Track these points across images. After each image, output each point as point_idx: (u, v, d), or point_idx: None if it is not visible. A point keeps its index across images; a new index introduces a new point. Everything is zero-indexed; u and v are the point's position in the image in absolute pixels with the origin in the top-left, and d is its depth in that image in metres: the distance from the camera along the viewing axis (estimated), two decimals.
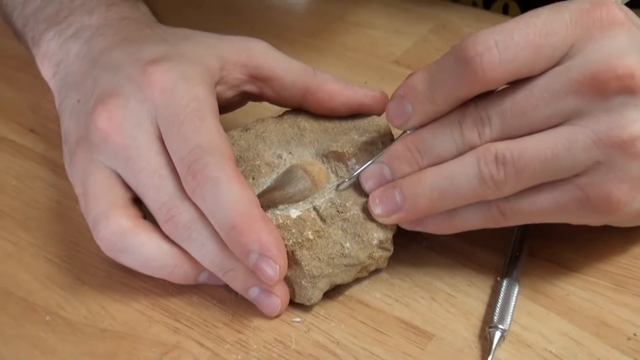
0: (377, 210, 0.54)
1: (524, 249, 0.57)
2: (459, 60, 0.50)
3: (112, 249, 0.56)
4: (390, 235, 0.55)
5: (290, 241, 0.54)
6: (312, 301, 0.55)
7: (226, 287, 0.56)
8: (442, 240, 0.59)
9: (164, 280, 0.57)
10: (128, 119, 0.56)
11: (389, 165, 0.54)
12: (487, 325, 0.53)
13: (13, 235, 0.62)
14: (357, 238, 0.55)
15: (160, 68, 0.57)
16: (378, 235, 0.55)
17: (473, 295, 0.56)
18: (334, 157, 0.58)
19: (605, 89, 0.49)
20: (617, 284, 0.56)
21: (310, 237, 0.54)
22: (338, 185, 0.56)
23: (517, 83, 0.51)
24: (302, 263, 0.54)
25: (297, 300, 0.55)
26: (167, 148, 0.55)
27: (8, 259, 0.61)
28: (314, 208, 0.55)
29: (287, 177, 0.56)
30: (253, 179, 0.57)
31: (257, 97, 0.63)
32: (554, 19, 0.50)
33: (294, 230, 0.54)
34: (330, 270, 0.54)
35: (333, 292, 0.56)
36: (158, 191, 0.55)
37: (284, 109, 0.63)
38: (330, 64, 0.77)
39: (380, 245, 0.55)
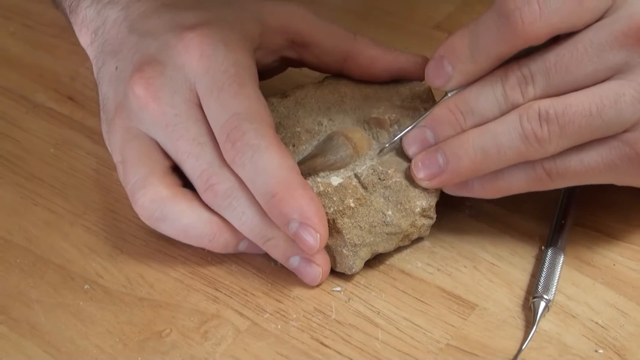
0: (420, 174, 0.53)
1: (569, 217, 0.56)
2: (498, 15, 0.49)
3: (151, 217, 0.55)
4: (433, 202, 0.55)
5: (332, 209, 0.53)
6: (354, 270, 0.54)
7: (266, 256, 0.56)
8: (485, 208, 0.58)
9: (202, 249, 0.56)
10: (166, 85, 0.56)
11: (431, 129, 0.53)
12: (531, 295, 0.52)
13: (51, 203, 0.62)
14: (399, 206, 0.54)
15: (198, 33, 0.57)
16: (420, 202, 0.54)
17: (517, 264, 0.55)
18: (375, 123, 0.57)
19: None
20: None
21: (352, 205, 0.53)
22: (380, 152, 0.55)
23: (560, 39, 0.50)
24: (344, 231, 0.53)
25: (338, 269, 0.55)
26: (206, 115, 0.55)
27: (46, 227, 0.61)
28: (355, 175, 0.54)
29: (328, 144, 0.56)
30: (293, 146, 0.56)
31: (297, 63, 0.62)
32: None
33: (335, 198, 0.54)
34: (372, 239, 0.54)
35: (374, 261, 0.55)
36: (197, 159, 0.55)
37: (324, 75, 0.62)
38: (370, 29, 0.76)
39: (423, 213, 0.54)
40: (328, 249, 0.54)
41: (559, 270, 0.53)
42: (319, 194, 0.53)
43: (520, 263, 0.55)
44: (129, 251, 0.58)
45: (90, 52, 0.65)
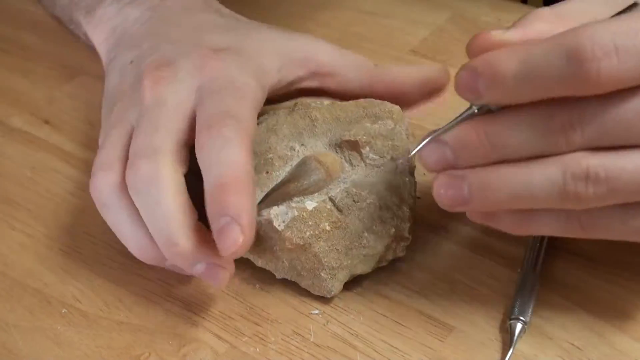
0: (442, 200, 0.48)
1: (545, 240, 0.56)
2: (570, 58, 0.43)
3: (98, 202, 0.55)
4: (408, 224, 0.55)
5: (307, 233, 0.53)
6: (332, 293, 0.54)
7: (244, 279, 0.56)
8: (463, 231, 0.59)
9: (179, 273, 0.56)
10: (171, 84, 0.56)
11: (452, 150, 0.47)
12: (508, 317, 0.52)
13: (28, 226, 0.62)
14: (374, 228, 0.54)
15: (218, 57, 0.57)
16: (395, 223, 0.54)
17: (493, 287, 0.55)
18: (347, 146, 0.57)
19: None
20: None
21: (327, 228, 0.54)
22: (408, 157, 0.56)
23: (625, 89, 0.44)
24: (320, 255, 0.53)
25: (316, 293, 0.55)
26: (198, 110, 0.54)
27: (23, 250, 0.60)
28: (330, 199, 0.55)
29: (301, 169, 0.56)
30: (267, 172, 0.56)
31: (317, 92, 0.63)
32: None
33: (310, 223, 0.54)
34: (349, 261, 0.54)
35: (351, 284, 0.56)
36: (146, 136, 0.54)
37: (295, 101, 0.62)
38: None
39: (398, 234, 0.55)
40: (307, 272, 0.54)
41: (535, 292, 0.53)
42: (294, 219, 0.53)
43: (497, 285, 0.55)
44: (106, 275, 0.58)
45: (104, 47, 0.66)
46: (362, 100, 0.59)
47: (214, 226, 0.50)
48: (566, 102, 0.44)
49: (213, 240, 0.50)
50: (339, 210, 0.54)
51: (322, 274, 0.54)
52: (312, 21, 0.82)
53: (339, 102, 0.59)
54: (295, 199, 0.55)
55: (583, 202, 0.45)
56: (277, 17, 0.82)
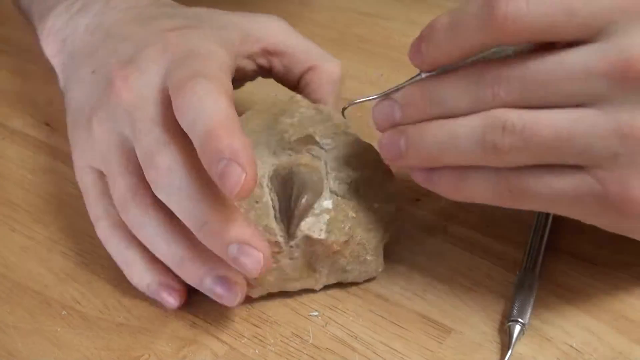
0: (383, 153, 0.52)
1: (543, 241, 0.57)
2: (483, 3, 0.46)
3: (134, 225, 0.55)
4: (390, 174, 0.57)
5: (346, 228, 0.54)
6: (379, 270, 0.56)
7: None
8: (461, 233, 0.59)
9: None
10: (141, 79, 0.56)
11: (399, 106, 0.51)
12: (507, 319, 0.52)
13: (28, 229, 0.62)
14: (375, 194, 0.56)
15: (177, 33, 0.58)
16: (383, 177, 0.56)
17: (492, 288, 0.55)
18: (302, 143, 0.56)
19: (638, 78, 0.45)
20: (639, 277, 0.55)
21: (353, 214, 0.54)
22: (344, 109, 0.57)
23: (546, 50, 0.47)
24: (363, 241, 0.54)
25: (363, 280, 0.56)
26: (168, 82, 0.54)
27: (23, 253, 0.60)
28: (334, 193, 0.55)
29: (295, 181, 0.55)
30: (257, 202, 0.54)
31: (267, 72, 0.65)
32: None
33: (340, 217, 0.54)
34: (380, 234, 0.55)
35: (351, 285, 0.56)
36: (146, 136, 0.53)
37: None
38: (345, 56, 0.76)
39: (391, 199, 0.56)
40: (355, 263, 0.55)
41: (533, 294, 0.54)
42: (328, 222, 0.53)
43: (496, 287, 0.55)
44: (106, 277, 0.58)
45: (57, 61, 0.65)
46: (257, 107, 0.59)
47: (213, 173, 0.49)
48: (495, 63, 0.48)
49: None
50: (346, 197, 0.55)
51: (368, 258, 0.55)
52: (311, 22, 0.83)
53: (243, 116, 0.59)
54: (312, 210, 0.54)
55: (502, 154, 0.47)
56: None
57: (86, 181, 0.58)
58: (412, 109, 0.51)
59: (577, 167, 0.47)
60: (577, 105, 0.46)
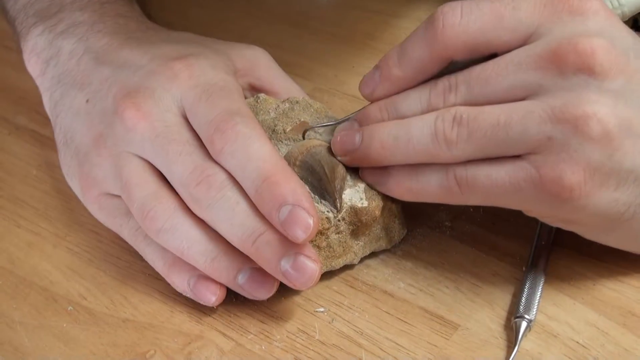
0: (336, 148, 0.56)
1: (549, 237, 0.56)
2: (426, 22, 0.52)
3: (160, 228, 0.54)
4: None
5: (380, 194, 0.56)
6: (403, 234, 0.58)
7: None
8: (466, 229, 0.59)
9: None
10: (156, 107, 0.56)
11: (358, 122, 0.56)
12: (513, 315, 0.52)
13: (34, 225, 0.62)
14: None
15: (186, 62, 0.58)
16: None
17: (498, 285, 0.55)
18: (298, 130, 0.58)
19: (564, 64, 0.48)
20: None
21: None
22: (305, 132, 0.58)
23: (489, 59, 0.51)
24: (393, 205, 0.57)
25: (388, 247, 0.57)
26: (192, 121, 0.55)
27: (30, 248, 0.60)
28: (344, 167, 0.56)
29: (323, 159, 0.56)
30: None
31: None
32: None
33: (368, 186, 0.56)
34: (394, 202, 0.57)
35: (357, 281, 0.56)
36: (190, 155, 0.54)
37: None
38: (353, 53, 0.76)
39: None
40: (384, 231, 0.57)
41: (540, 290, 0.54)
42: (365, 190, 0.55)
43: (502, 283, 0.55)
44: (112, 272, 0.58)
45: (42, 82, 0.64)
46: None
47: (275, 220, 0.50)
48: (446, 75, 0.52)
49: None
50: (355, 175, 0.56)
51: (396, 222, 0.57)
52: (319, 19, 0.82)
53: None
54: (344, 193, 0.55)
55: (449, 144, 0.50)
56: (283, 16, 0.82)
57: (107, 205, 0.58)
58: (371, 121, 0.55)
59: (516, 157, 0.50)
60: (518, 100, 0.50)
